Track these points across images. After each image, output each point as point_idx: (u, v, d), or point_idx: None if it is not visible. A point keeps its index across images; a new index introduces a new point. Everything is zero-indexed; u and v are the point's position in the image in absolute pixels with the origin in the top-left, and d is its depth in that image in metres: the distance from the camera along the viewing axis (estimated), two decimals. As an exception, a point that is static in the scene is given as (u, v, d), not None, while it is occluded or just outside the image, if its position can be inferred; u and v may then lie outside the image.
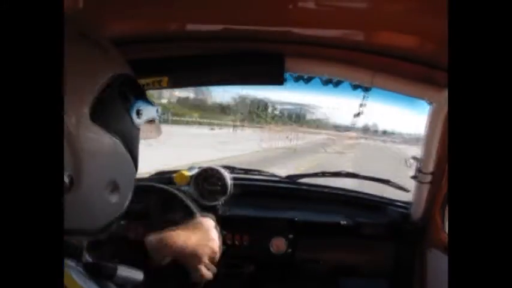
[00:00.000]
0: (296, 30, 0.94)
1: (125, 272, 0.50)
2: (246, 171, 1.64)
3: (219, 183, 1.34)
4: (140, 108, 0.51)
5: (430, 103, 1.13)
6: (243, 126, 25.85)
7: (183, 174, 1.36)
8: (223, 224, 1.33)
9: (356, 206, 1.49)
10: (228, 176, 1.35)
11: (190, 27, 0.97)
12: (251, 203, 1.44)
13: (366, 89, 1.14)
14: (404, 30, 0.89)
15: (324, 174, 1.65)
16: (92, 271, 0.47)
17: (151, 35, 0.98)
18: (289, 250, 1.33)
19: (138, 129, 0.51)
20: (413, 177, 1.26)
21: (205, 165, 1.41)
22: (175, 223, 1.24)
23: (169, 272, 0.76)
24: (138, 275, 0.52)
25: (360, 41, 0.98)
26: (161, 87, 1.01)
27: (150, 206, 1.21)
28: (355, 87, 1.14)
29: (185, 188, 1.38)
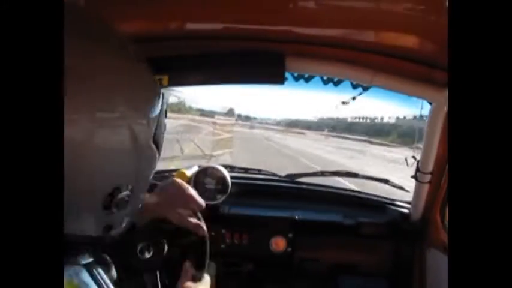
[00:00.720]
0: (297, 29, 0.94)
1: None
2: (246, 170, 1.64)
3: (219, 182, 1.35)
4: None
5: (430, 103, 1.13)
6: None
7: (183, 173, 1.36)
8: (223, 223, 1.34)
9: (356, 205, 1.49)
10: (227, 175, 1.35)
11: (190, 26, 0.97)
12: (251, 202, 1.44)
13: (366, 88, 1.15)
14: (404, 30, 0.89)
15: (323, 173, 1.66)
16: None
17: (151, 34, 0.98)
18: (289, 249, 1.33)
19: None
20: (413, 177, 1.27)
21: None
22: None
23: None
24: None
25: (360, 40, 0.98)
26: (162, 86, 1.01)
27: None
28: (355, 86, 1.14)
29: None
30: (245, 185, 1.48)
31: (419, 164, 1.23)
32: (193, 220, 0.74)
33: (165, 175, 1.60)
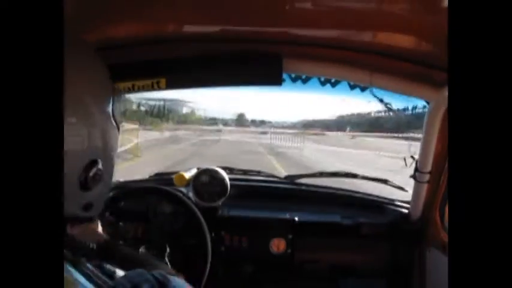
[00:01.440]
0: (294, 30, 0.94)
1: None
2: (245, 172, 1.64)
3: (218, 184, 1.34)
4: None
5: (428, 102, 1.13)
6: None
7: (182, 176, 1.36)
8: (222, 225, 1.34)
9: (355, 206, 1.49)
10: (226, 177, 1.35)
11: (188, 28, 0.97)
12: (250, 203, 1.44)
13: (363, 89, 1.14)
14: (402, 30, 0.89)
15: (322, 174, 1.65)
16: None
17: (148, 37, 0.98)
18: (289, 250, 1.33)
19: None
20: (412, 177, 1.27)
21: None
22: (175, 224, 1.23)
23: None
24: None
25: (358, 41, 0.98)
26: (159, 89, 1.01)
27: (149, 207, 1.21)
28: (353, 87, 1.14)
29: (184, 190, 1.38)
30: (244, 187, 1.47)
31: (418, 164, 1.23)
32: None
33: (165, 177, 1.60)
